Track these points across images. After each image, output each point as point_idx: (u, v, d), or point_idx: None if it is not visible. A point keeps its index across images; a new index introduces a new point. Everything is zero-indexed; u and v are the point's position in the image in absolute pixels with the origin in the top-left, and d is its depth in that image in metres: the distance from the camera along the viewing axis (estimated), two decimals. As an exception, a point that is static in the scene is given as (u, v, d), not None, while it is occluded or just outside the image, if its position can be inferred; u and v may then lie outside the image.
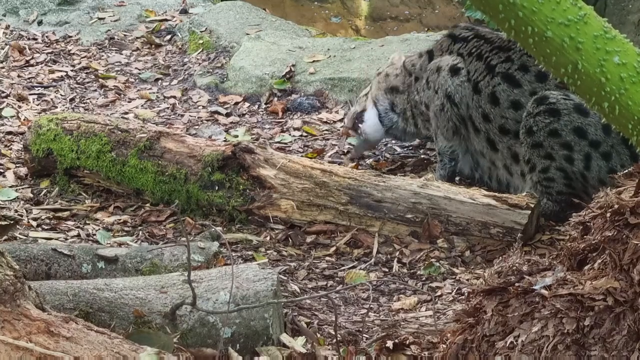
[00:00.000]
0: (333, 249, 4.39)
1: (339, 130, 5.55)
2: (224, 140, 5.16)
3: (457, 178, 4.95)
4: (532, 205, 4.34)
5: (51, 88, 6.11)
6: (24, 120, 5.61)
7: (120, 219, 4.61)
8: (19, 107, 5.80)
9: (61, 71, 6.34)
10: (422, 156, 5.32)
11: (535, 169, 4.55)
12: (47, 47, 6.71)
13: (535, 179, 4.56)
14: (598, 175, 4.46)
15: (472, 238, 4.35)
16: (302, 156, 5.08)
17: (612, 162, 4.45)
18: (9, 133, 5.48)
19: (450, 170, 4.90)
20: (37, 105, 5.88)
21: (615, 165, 4.41)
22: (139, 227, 4.55)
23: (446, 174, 4.88)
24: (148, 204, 4.70)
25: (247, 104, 5.93)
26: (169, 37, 6.80)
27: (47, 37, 6.84)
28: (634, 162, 4.15)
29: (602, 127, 4.43)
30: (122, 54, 6.59)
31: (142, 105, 5.93)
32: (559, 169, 4.51)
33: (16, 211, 4.60)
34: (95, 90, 6.12)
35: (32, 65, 6.43)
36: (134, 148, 4.71)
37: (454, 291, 4.05)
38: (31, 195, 4.80)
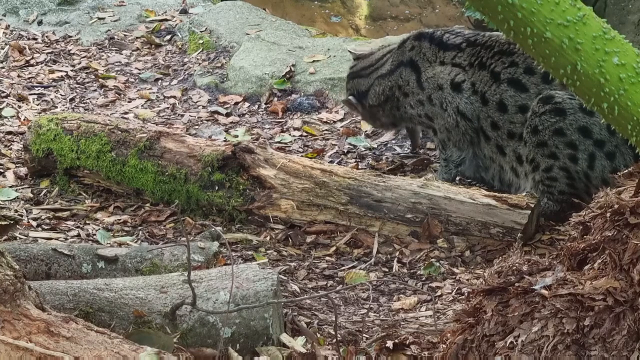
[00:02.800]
0: (333, 249, 4.39)
1: (339, 130, 5.55)
2: (224, 140, 5.16)
3: (457, 178, 4.95)
4: (532, 205, 4.34)
5: (51, 88, 6.11)
6: (24, 120, 5.61)
7: (120, 219, 4.61)
8: (19, 107, 5.80)
9: (61, 71, 6.34)
10: (422, 156, 5.32)
11: (538, 168, 4.53)
12: (47, 47, 6.71)
13: (538, 178, 4.54)
14: (601, 175, 4.45)
15: (472, 238, 4.35)
16: (302, 156, 5.08)
17: (616, 162, 4.44)
18: (9, 133, 5.48)
19: (454, 176, 4.89)
20: (37, 105, 5.88)
21: (619, 166, 4.39)
22: (139, 227, 4.55)
23: (449, 179, 4.86)
24: (148, 204, 4.70)
25: (247, 104, 5.93)
26: (169, 37, 6.80)
27: (47, 37, 6.84)
28: (636, 162, 4.14)
29: (607, 127, 4.41)
30: (122, 54, 6.59)
31: (142, 105, 5.93)
32: (562, 169, 4.50)
33: (16, 211, 4.60)
34: (95, 90, 6.12)
35: (32, 65, 6.43)
36: (134, 148, 4.71)
37: (454, 291, 4.05)
38: (31, 195, 4.80)
